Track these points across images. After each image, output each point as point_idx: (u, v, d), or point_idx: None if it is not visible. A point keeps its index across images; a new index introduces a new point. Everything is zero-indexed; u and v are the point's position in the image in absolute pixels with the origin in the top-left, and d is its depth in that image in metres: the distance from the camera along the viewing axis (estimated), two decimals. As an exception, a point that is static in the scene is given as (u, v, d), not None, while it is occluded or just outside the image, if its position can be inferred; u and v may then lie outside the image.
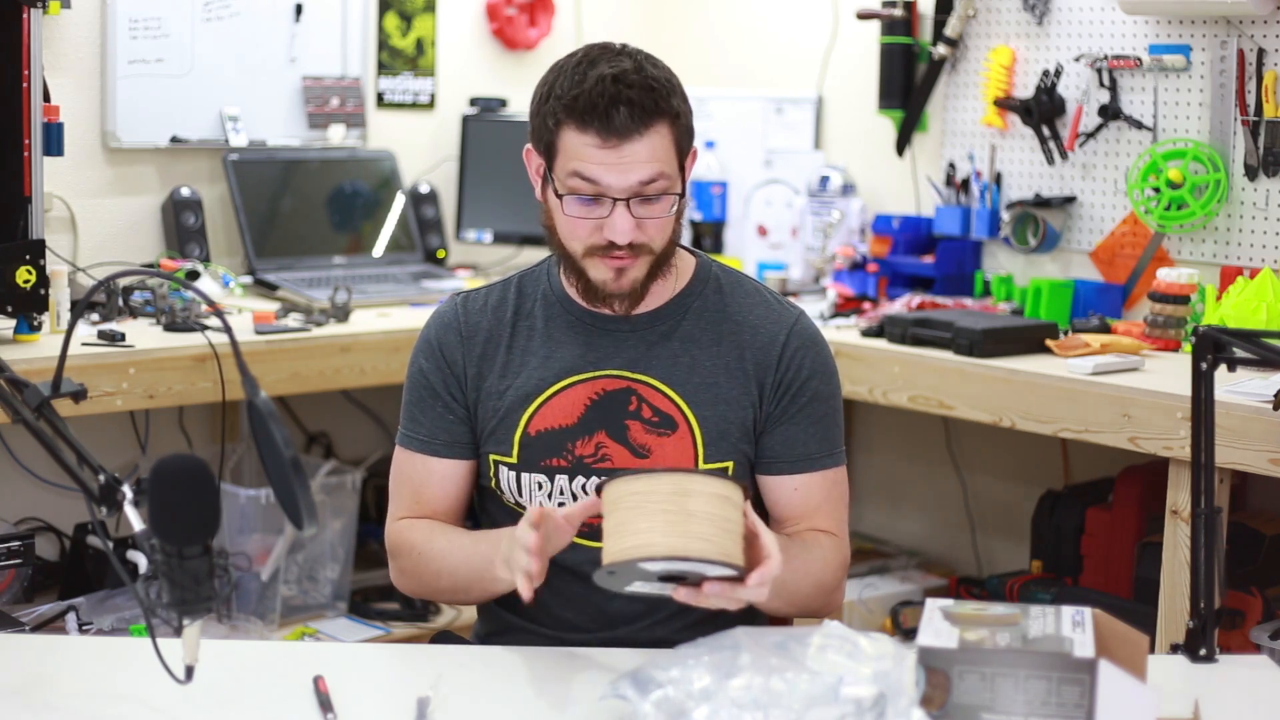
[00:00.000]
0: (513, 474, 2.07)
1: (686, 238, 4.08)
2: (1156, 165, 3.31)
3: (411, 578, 2.09)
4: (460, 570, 2.01)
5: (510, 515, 2.07)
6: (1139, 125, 3.41)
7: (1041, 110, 3.55)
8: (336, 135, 3.90)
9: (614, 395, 2.06)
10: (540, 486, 2.05)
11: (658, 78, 1.97)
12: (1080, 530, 3.35)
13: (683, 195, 2.01)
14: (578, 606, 2.07)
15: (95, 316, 3.18)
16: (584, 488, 2.04)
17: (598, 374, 2.07)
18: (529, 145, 2.05)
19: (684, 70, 4.59)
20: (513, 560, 1.82)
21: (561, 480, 2.04)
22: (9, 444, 3.24)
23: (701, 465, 2.04)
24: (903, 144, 3.87)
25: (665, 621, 2.06)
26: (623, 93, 1.92)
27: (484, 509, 2.16)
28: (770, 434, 2.07)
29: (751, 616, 2.10)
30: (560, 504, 2.04)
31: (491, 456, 2.08)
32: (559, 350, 2.08)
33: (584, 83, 1.94)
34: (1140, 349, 3.10)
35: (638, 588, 1.75)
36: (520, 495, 2.07)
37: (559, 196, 1.98)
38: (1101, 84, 3.47)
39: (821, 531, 2.07)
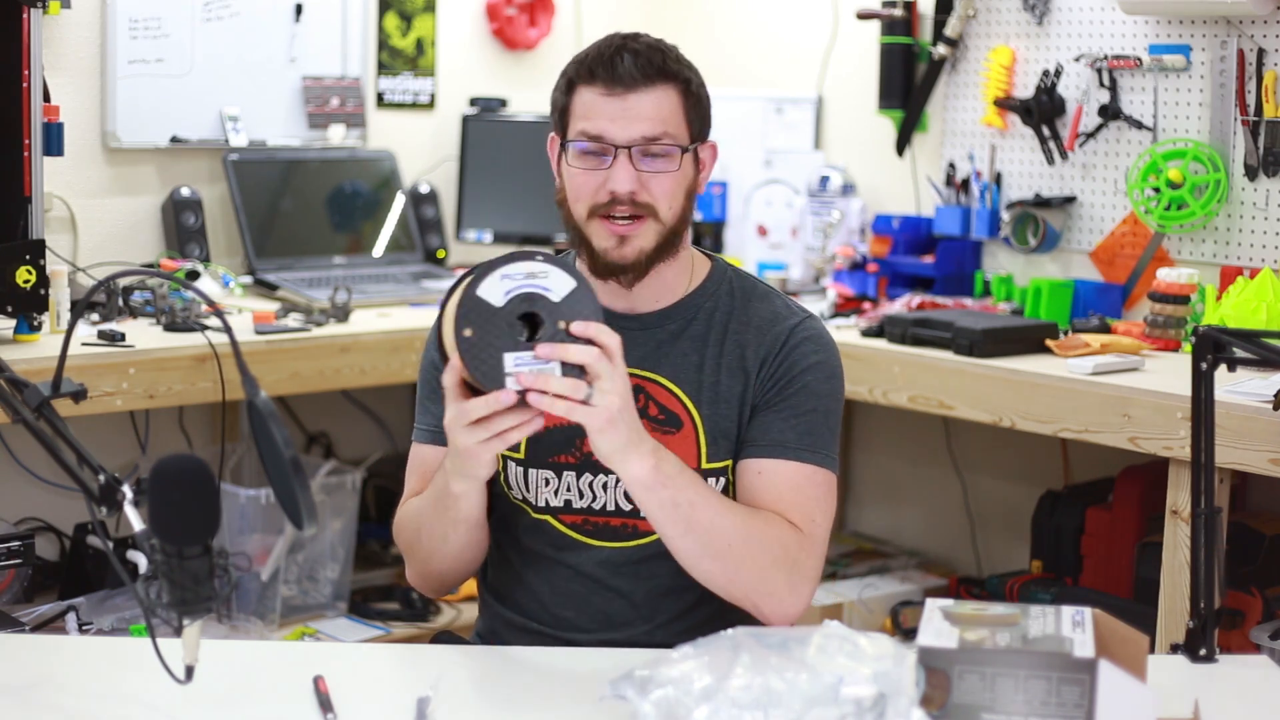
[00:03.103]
0: (520, 469, 2.06)
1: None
2: (1156, 165, 3.30)
3: (408, 556, 2.10)
4: (427, 510, 2.02)
5: (517, 512, 2.07)
6: (1139, 125, 3.41)
7: (1041, 110, 3.55)
8: (336, 135, 3.90)
9: None
10: (548, 483, 2.05)
11: (670, 48, 2.04)
12: (1080, 530, 3.35)
13: (686, 153, 2.02)
14: (578, 606, 2.07)
15: (95, 316, 3.18)
16: (591, 485, 2.04)
17: None
18: (551, 133, 2.08)
19: (684, 70, 4.57)
20: (452, 460, 1.86)
21: (569, 476, 2.04)
22: (9, 444, 3.23)
23: (704, 464, 2.03)
24: (903, 144, 3.87)
25: (666, 625, 2.06)
26: (629, 45, 2.01)
27: (493, 507, 2.15)
28: (751, 421, 2.04)
29: (752, 617, 2.11)
30: (567, 501, 2.05)
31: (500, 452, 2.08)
32: None
33: (596, 46, 2.03)
34: (1140, 349, 3.09)
35: (509, 364, 1.75)
36: (528, 491, 2.06)
37: (564, 150, 2.02)
38: (1101, 84, 3.47)
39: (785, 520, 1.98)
